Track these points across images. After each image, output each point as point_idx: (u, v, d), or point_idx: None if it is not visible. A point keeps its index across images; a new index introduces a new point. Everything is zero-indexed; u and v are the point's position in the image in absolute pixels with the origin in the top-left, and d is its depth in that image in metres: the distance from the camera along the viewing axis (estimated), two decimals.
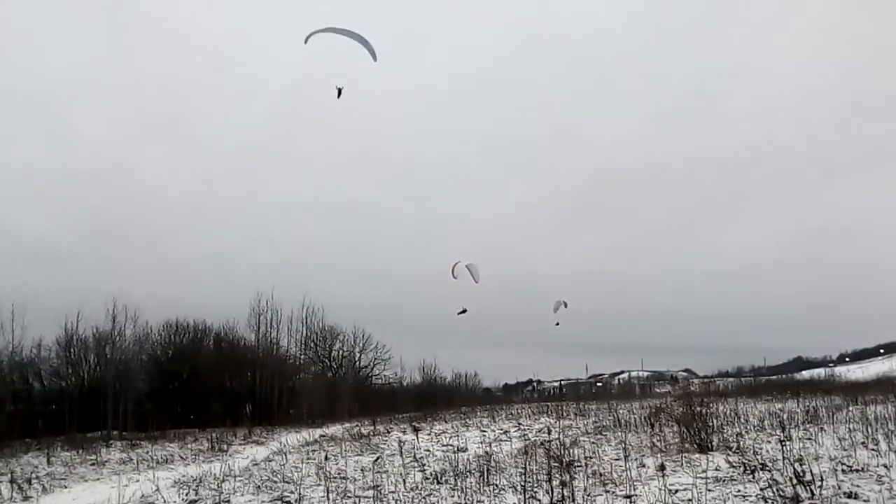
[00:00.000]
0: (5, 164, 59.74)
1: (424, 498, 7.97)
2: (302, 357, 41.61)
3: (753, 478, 6.78)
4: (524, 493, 7.21)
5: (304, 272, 65.92)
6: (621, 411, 16.43)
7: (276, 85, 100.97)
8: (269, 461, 13.91)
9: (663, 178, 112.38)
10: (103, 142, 75.57)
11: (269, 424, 30.26)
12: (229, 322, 38.81)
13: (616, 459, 9.18)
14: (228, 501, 9.13)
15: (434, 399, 39.08)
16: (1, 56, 73.11)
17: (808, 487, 6.04)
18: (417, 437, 14.91)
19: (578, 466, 8.72)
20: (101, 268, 54.76)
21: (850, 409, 13.09)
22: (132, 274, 50.49)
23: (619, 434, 12.03)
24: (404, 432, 16.78)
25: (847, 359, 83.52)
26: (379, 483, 9.18)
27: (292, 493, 9.13)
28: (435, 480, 9.07)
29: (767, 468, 7.14)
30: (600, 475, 8.05)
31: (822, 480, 6.15)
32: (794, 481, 6.18)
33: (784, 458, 7.49)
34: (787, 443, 8.65)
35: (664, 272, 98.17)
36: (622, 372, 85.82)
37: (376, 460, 11.57)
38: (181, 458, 16.37)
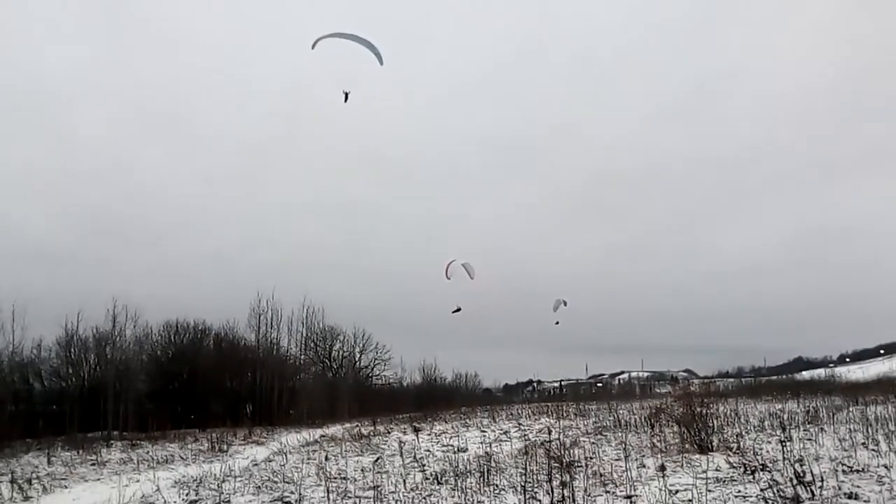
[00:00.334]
0: (5, 164, 59.98)
1: (425, 498, 7.96)
2: (302, 357, 41.66)
3: (754, 478, 6.77)
4: (524, 494, 7.20)
5: (304, 272, 66.15)
6: (621, 412, 16.43)
7: (276, 85, 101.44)
8: (270, 461, 13.91)
9: (663, 178, 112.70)
10: (103, 142, 75.90)
11: (269, 425, 30.29)
12: (229, 322, 38.89)
13: (616, 460, 9.17)
14: (229, 502, 9.12)
15: (434, 399, 39.09)
16: (1, 56, 73.34)
17: (808, 488, 6.04)
18: (417, 438, 14.91)
19: (579, 467, 8.72)
20: (101, 268, 54.95)
21: (851, 409, 13.09)
22: (132, 274, 50.67)
23: (620, 434, 12.03)
24: (404, 432, 16.78)
25: (847, 359, 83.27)
26: (379, 483, 9.18)
27: (292, 493, 9.13)
28: (435, 481, 9.06)
29: (768, 469, 7.14)
30: (600, 475, 8.05)
31: (822, 481, 6.15)
32: (795, 482, 6.17)
33: (784, 458, 7.50)
34: (788, 443, 8.65)
35: (664, 272, 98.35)
36: (622, 372, 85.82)
37: (376, 461, 11.56)
38: (181, 458, 16.37)
